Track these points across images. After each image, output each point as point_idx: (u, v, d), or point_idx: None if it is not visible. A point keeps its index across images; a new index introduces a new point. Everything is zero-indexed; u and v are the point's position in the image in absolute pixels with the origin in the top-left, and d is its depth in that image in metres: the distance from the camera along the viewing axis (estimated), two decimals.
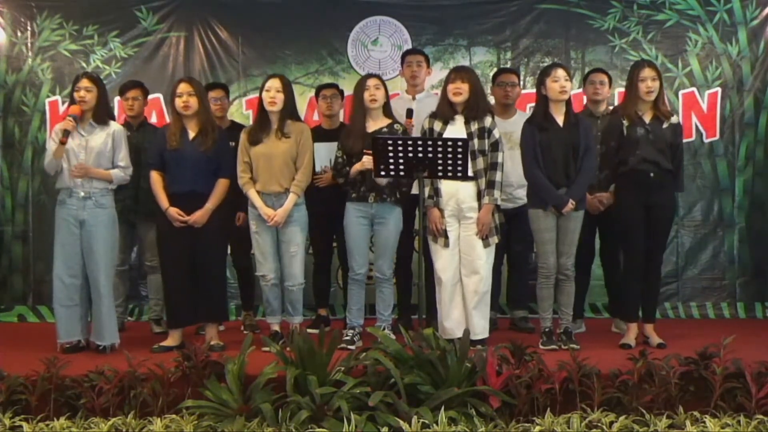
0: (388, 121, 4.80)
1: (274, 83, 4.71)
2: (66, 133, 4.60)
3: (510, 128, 5.12)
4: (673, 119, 4.74)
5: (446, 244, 4.60)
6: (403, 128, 4.82)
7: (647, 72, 4.65)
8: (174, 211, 4.65)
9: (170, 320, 4.88)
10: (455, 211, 4.60)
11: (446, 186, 4.57)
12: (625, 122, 4.68)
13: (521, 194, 5.08)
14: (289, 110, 4.76)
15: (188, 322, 4.86)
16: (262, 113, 4.77)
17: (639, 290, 4.77)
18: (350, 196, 4.80)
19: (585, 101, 5.47)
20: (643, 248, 4.71)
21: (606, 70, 5.47)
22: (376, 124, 4.75)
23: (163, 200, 4.70)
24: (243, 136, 4.80)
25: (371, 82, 4.78)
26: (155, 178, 4.74)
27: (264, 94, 4.71)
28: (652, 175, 4.65)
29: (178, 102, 4.69)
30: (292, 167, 4.73)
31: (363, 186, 4.74)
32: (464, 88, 4.58)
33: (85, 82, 4.72)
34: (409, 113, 4.90)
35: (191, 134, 4.72)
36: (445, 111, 4.64)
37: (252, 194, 4.73)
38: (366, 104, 4.73)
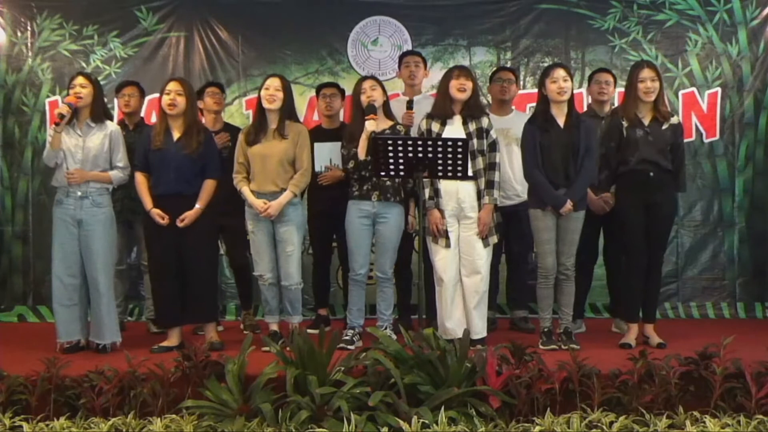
0: (390, 122, 4.80)
1: (273, 82, 4.71)
2: (61, 116, 4.57)
3: (506, 125, 5.14)
4: (673, 120, 4.73)
5: (447, 245, 4.60)
6: (406, 129, 4.83)
7: (646, 72, 4.64)
8: (156, 213, 4.63)
9: (159, 319, 4.89)
10: (456, 211, 4.60)
11: (446, 186, 4.57)
12: (625, 123, 4.68)
13: (519, 189, 5.09)
14: (288, 111, 4.75)
15: (176, 321, 4.79)
16: (260, 114, 4.76)
17: (640, 290, 4.76)
18: (353, 193, 4.79)
19: (589, 101, 5.49)
20: (644, 248, 4.71)
21: (611, 70, 5.46)
22: (378, 125, 4.72)
23: (146, 201, 4.68)
24: (240, 137, 4.80)
25: (367, 84, 4.77)
26: (140, 179, 4.72)
27: (263, 92, 4.70)
28: (651, 174, 4.65)
29: (165, 99, 4.65)
30: (288, 168, 4.71)
31: (367, 184, 4.73)
32: (469, 85, 4.59)
33: (80, 80, 4.72)
34: (410, 105, 4.96)
35: (175, 135, 4.69)
36: (445, 109, 4.63)
37: (245, 191, 4.72)
38: (364, 106, 4.71)
